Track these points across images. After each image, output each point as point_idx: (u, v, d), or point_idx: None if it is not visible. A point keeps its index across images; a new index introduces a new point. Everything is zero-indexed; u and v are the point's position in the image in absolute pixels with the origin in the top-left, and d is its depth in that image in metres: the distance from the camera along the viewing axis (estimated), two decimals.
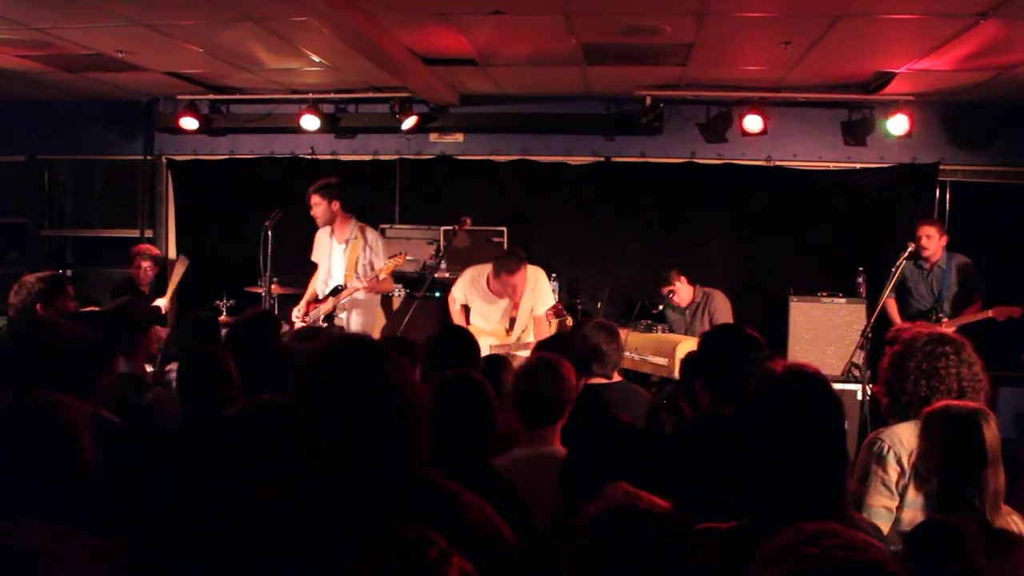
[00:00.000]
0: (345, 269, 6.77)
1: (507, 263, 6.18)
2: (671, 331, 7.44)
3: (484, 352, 6.02)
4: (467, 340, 4.19)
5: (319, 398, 1.90)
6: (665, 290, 7.38)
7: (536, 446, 3.28)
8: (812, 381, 2.05)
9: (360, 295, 6.70)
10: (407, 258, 7.70)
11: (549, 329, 6.37)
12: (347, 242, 6.81)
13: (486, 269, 6.39)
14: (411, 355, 3.98)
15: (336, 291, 6.71)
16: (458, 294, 6.54)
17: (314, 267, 7.12)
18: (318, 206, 6.76)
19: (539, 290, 6.37)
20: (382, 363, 1.93)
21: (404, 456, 1.91)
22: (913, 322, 6.70)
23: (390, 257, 6.68)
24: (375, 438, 1.87)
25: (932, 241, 6.99)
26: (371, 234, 6.89)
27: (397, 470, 1.89)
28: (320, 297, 6.84)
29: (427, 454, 2.00)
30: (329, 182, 6.84)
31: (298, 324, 6.66)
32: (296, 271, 7.61)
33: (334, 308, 6.68)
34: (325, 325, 6.54)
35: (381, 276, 6.58)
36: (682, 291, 7.37)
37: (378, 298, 7.14)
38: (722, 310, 7.25)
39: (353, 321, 6.74)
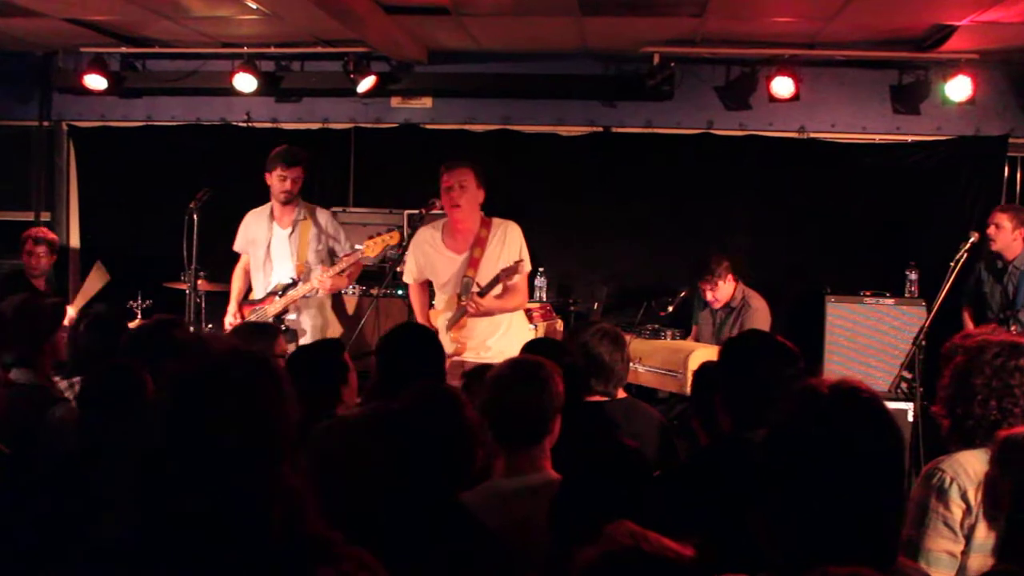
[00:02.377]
0: (295, 260, 6.59)
1: (448, 161, 5.84)
2: (698, 330, 7.43)
3: (443, 337, 5.81)
4: (424, 340, 4.16)
5: (173, 425, 1.89)
6: (705, 285, 7.23)
7: (519, 473, 3.24)
8: (866, 403, 2.03)
9: (318, 292, 6.52)
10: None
11: (523, 298, 6.05)
12: (293, 225, 6.62)
13: (443, 221, 6.04)
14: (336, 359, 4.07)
15: (284, 287, 6.51)
16: (410, 265, 6.15)
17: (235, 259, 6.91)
18: (297, 182, 6.53)
19: (510, 245, 5.91)
20: (252, 389, 1.92)
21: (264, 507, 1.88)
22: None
23: (369, 238, 6.37)
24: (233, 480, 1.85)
25: (1002, 233, 6.90)
26: (323, 215, 6.73)
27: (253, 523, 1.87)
28: (261, 296, 6.66)
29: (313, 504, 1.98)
30: (300, 151, 6.63)
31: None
32: (229, 263, 7.55)
33: (285, 308, 6.49)
34: (283, 328, 6.40)
35: (368, 254, 6.31)
36: (723, 289, 7.21)
37: (330, 296, 6.99)
38: (757, 322, 7.02)
39: (304, 324, 6.58)
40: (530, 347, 4.48)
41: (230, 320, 6.66)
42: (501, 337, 5.91)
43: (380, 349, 4.08)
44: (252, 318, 6.55)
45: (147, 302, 7.66)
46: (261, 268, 6.71)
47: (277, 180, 6.49)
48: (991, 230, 6.92)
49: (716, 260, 7.16)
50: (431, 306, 6.22)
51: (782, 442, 2.06)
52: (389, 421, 2.85)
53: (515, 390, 3.28)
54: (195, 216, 6.43)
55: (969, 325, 7.03)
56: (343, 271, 6.45)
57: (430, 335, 4.30)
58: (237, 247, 6.85)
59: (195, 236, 6.48)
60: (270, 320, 6.45)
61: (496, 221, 5.97)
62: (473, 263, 5.85)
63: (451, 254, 5.95)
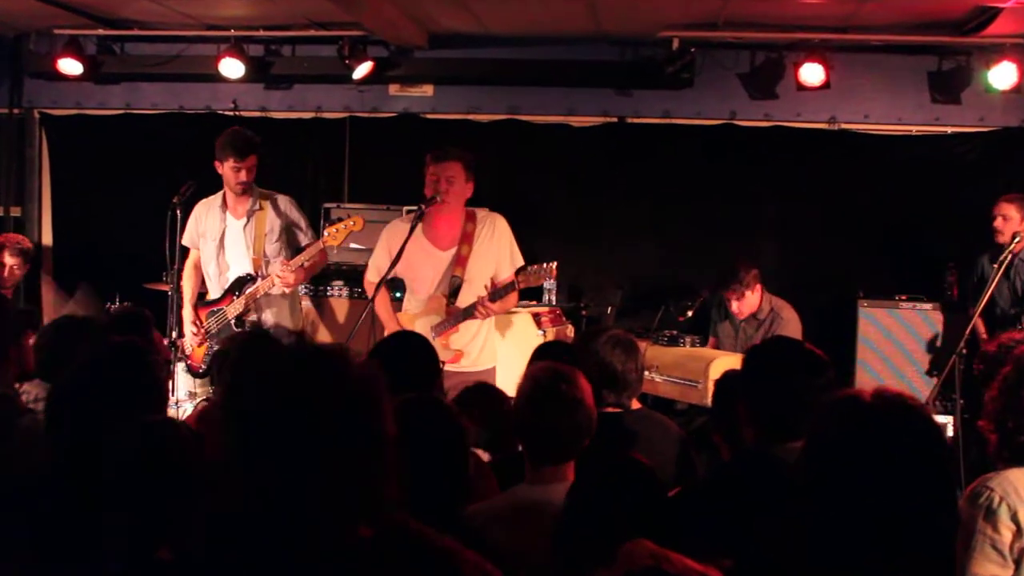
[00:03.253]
0: (252, 253, 6.47)
1: (435, 150, 5.75)
2: (716, 341, 7.41)
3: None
4: (420, 349, 4.15)
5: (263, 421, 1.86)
6: (731, 295, 7.20)
7: (544, 482, 3.31)
8: (914, 416, 2.00)
9: (276, 288, 6.36)
10: (354, 246, 7.59)
11: (515, 299, 5.86)
12: (249, 215, 6.49)
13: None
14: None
15: (241, 284, 6.42)
16: (378, 259, 5.92)
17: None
18: (252, 171, 6.38)
19: (500, 240, 5.76)
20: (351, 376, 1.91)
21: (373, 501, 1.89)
22: (995, 333, 6.67)
23: (331, 225, 6.30)
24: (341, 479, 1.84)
25: (1009, 224, 6.94)
26: (283, 202, 6.55)
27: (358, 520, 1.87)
28: (217, 296, 6.56)
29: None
30: (252, 136, 6.47)
31: (193, 339, 6.49)
32: None
33: (246, 308, 6.38)
34: (240, 331, 6.34)
35: (330, 243, 6.21)
36: (750, 300, 7.18)
37: (298, 291, 6.88)
38: (790, 334, 6.95)
39: (267, 324, 6.44)
40: (541, 352, 4.47)
41: (190, 329, 6.55)
42: (480, 344, 5.83)
43: (374, 357, 4.07)
44: (211, 321, 6.50)
45: (125, 304, 7.64)
46: (215, 264, 6.59)
47: (230, 172, 6.35)
48: (998, 222, 7.00)
49: (744, 268, 7.12)
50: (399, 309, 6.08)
51: (821, 453, 2.03)
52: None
53: (550, 411, 3.33)
54: (178, 212, 6.40)
55: (980, 328, 7.04)
56: (304, 263, 6.30)
57: (428, 346, 4.27)
58: (186, 241, 6.67)
59: (178, 233, 6.46)
60: (232, 321, 6.41)
61: (481, 214, 5.86)
62: (461, 261, 5.73)
63: (434, 249, 5.81)
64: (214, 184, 6.64)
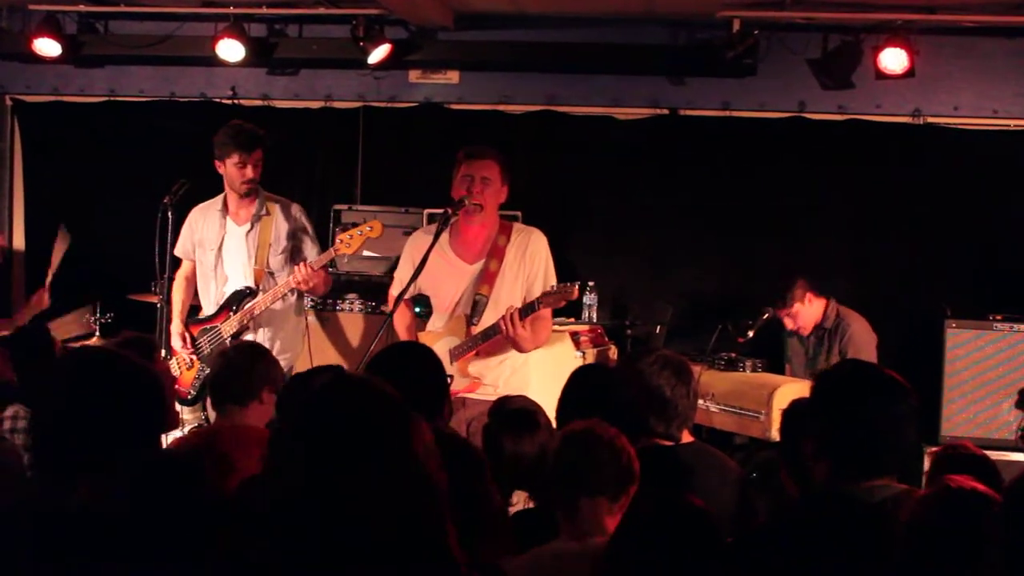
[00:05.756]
0: (254, 263, 6.53)
1: (469, 147, 5.79)
2: (788, 363, 7.47)
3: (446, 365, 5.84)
4: (423, 363, 4.16)
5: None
6: (782, 314, 7.28)
7: (585, 536, 3.35)
8: None
9: (278, 304, 6.45)
10: (368, 254, 7.63)
11: (548, 334, 5.87)
12: (253, 221, 6.57)
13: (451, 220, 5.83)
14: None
15: (239, 298, 6.48)
16: (401, 271, 5.96)
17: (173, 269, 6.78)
18: (259, 167, 6.48)
19: (534, 258, 5.71)
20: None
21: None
22: None
23: (343, 231, 6.32)
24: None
25: None
26: (293, 209, 6.65)
27: None
28: (212, 312, 6.62)
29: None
30: (255, 128, 6.56)
31: (182, 360, 6.59)
32: None
33: (243, 325, 6.44)
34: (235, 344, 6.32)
35: (343, 251, 6.26)
36: (804, 314, 7.26)
37: (302, 306, 6.94)
38: (860, 344, 7.13)
39: (263, 341, 6.35)
40: (580, 376, 4.50)
41: (177, 344, 6.63)
42: (509, 368, 5.77)
43: (369, 370, 4.10)
44: (203, 341, 6.56)
45: (108, 316, 7.68)
46: (212, 275, 6.66)
47: (234, 169, 6.44)
48: None
49: (784, 281, 7.24)
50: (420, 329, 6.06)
51: None
52: None
53: (590, 446, 3.44)
54: (169, 213, 6.44)
55: None
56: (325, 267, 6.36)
57: (433, 359, 4.25)
58: (179, 252, 6.79)
59: (169, 238, 6.50)
60: (226, 342, 6.41)
61: (517, 227, 5.85)
62: (488, 277, 5.70)
63: (459, 262, 5.80)
64: (209, 182, 6.68)
